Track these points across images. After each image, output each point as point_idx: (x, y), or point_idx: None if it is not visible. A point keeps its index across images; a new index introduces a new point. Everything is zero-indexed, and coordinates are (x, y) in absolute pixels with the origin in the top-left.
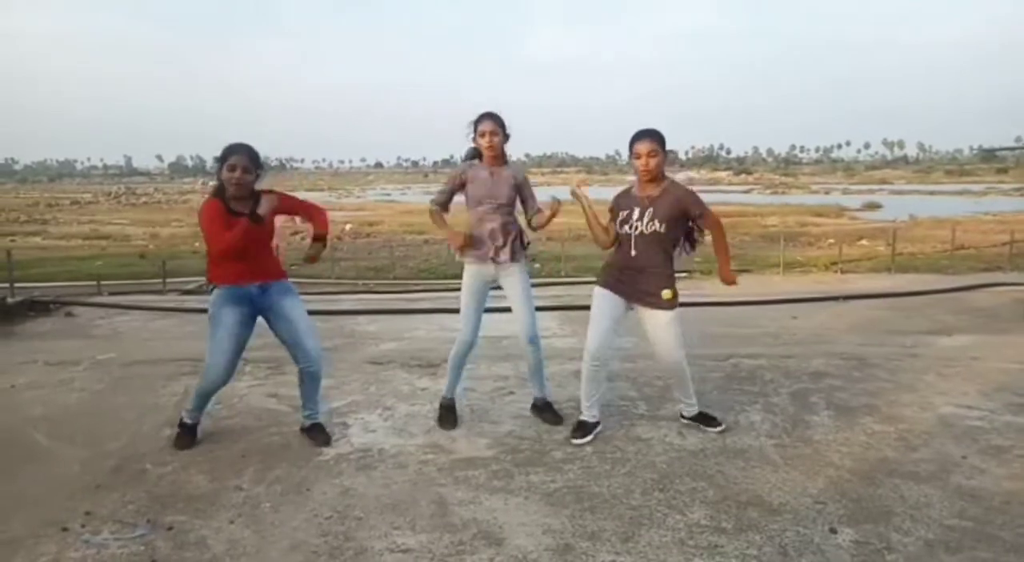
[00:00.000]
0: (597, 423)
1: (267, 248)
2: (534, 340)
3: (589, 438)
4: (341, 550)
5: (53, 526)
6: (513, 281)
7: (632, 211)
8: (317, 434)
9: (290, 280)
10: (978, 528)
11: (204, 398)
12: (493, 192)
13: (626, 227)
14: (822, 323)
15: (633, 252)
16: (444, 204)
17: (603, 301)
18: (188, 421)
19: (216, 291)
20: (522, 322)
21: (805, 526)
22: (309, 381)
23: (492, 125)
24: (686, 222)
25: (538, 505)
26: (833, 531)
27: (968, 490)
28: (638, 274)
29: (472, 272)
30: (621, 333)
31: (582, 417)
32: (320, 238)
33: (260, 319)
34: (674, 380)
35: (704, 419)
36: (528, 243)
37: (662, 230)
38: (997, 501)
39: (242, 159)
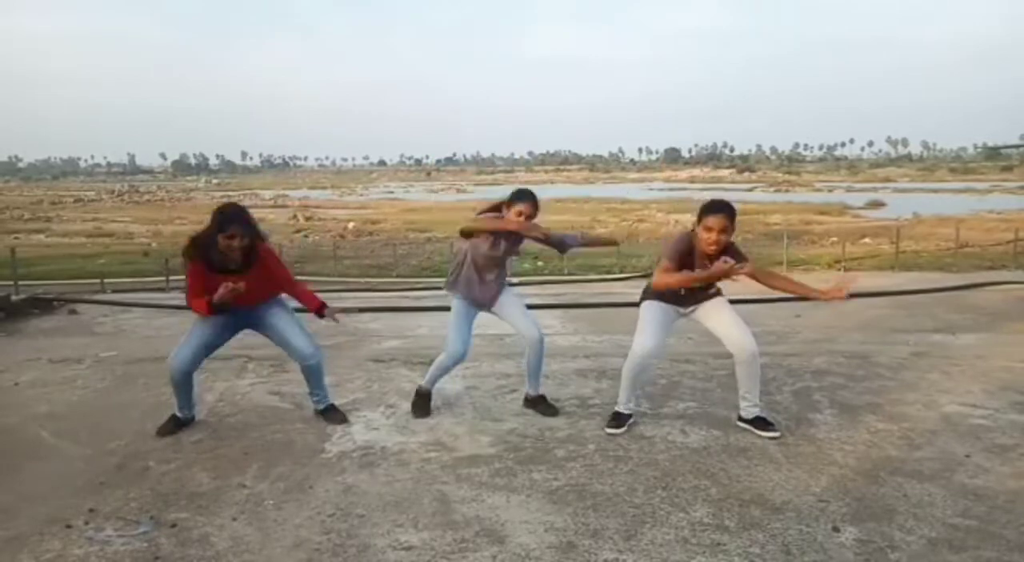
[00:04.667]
0: (631, 415)
1: (256, 294)
2: (543, 339)
3: (623, 429)
4: (344, 547)
5: (57, 523)
6: (506, 304)
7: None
8: (333, 414)
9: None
10: (982, 527)
11: (181, 389)
12: (497, 261)
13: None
14: (825, 321)
15: (683, 292)
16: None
17: (655, 308)
18: (180, 415)
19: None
20: (529, 330)
21: (808, 524)
22: (309, 373)
23: (530, 208)
24: None
25: (540, 503)
26: (836, 529)
27: (972, 489)
28: (684, 295)
29: (463, 303)
30: (670, 334)
31: (619, 409)
32: (319, 310)
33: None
34: (744, 372)
35: (761, 424)
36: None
37: (719, 286)
38: (1001, 500)
39: (240, 229)
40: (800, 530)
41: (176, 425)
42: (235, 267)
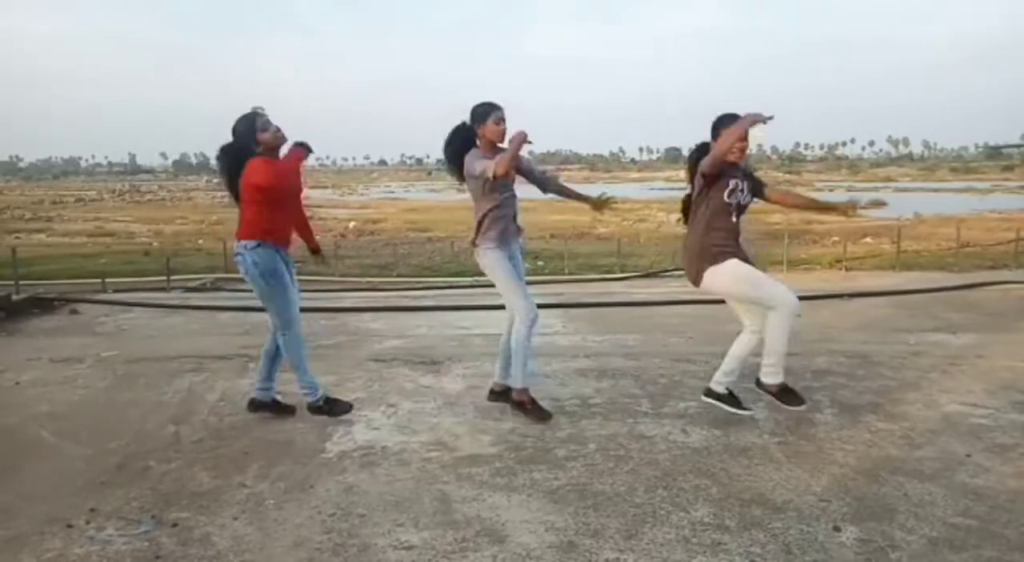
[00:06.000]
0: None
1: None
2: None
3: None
4: (344, 547)
5: (58, 523)
6: (518, 264)
7: (739, 183)
8: (283, 407)
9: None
10: (982, 526)
11: (302, 345)
12: (507, 180)
13: (734, 197)
14: (826, 321)
15: (734, 219)
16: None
17: (745, 265)
18: (261, 397)
19: (263, 249)
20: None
21: (809, 524)
22: (272, 353)
23: (504, 114)
24: None
25: (541, 502)
26: (837, 529)
27: (973, 488)
28: (737, 239)
29: (499, 254)
30: None
31: (784, 380)
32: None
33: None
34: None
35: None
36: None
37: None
38: (1002, 499)
39: (266, 117)
40: (801, 530)
41: (271, 407)
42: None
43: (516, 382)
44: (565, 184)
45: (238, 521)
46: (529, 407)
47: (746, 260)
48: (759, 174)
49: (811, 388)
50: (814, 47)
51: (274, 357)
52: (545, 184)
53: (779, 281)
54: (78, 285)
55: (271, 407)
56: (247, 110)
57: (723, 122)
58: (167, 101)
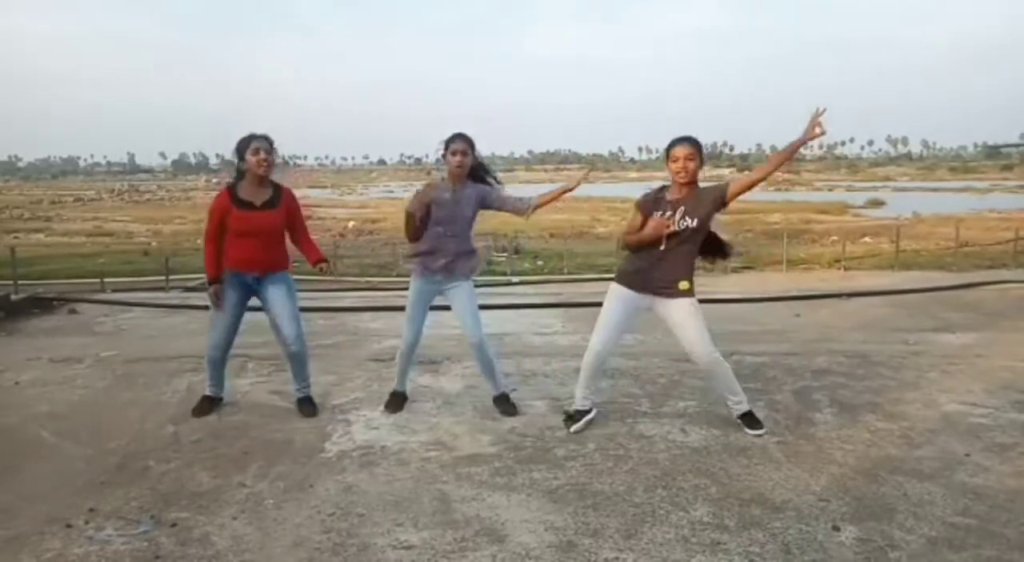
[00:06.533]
0: (590, 410)
1: (277, 241)
2: (481, 346)
3: (582, 424)
4: (344, 546)
5: (57, 523)
6: (458, 292)
7: (664, 211)
8: (306, 406)
9: (291, 273)
10: (982, 526)
11: (213, 368)
12: (454, 215)
13: None
14: (825, 321)
15: (662, 246)
16: (422, 222)
17: (617, 299)
18: (209, 393)
19: (227, 273)
20: (467, 328)
21: (808, 523)
22: (290, 360)
23: (463, 145)
24: (715, 212)
25: (540, 502)
26: (836, 529)
27: (972, 487)
28: (657, 263)
29: (419, 283)
30: (628, 330)
31: (576, 407)
32: (318, 261)
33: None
34: (712, 379)
35: (747, 420)
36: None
37: (695, 225)
38: (1001, 499)
39: (264, 143)
40: (800, 529)
41: (210, 404)
42: (260, 203)
43: (400, 383)
44: (541, 195)
45: (237, 521)
46: (388, 405)
47: (646, 288)
48: (716, 182)
49: (811, 387)
50: (814, 47)
51: (290, 359)
52: (522, 209)
53: (603, 330)
54: (77, 285)
55: (305, 403)
56: (245, 111)
57: (673, 145)
58: (167, 101)
